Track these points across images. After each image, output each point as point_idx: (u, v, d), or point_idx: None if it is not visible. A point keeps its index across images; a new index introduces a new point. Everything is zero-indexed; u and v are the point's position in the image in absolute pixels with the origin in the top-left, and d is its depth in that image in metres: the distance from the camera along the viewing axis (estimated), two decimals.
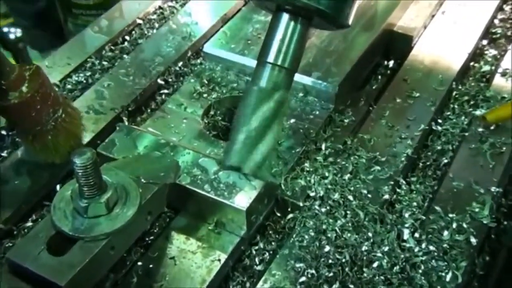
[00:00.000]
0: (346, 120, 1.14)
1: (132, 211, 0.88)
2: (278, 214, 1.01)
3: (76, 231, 0.85)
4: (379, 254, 0.93)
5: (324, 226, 0.96)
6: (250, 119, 0.96)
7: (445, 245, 0.94)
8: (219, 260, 0.94)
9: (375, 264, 0.92)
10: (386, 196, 1.00)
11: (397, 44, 1.27)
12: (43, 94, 0.97)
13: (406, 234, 0.95)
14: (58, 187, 1.05)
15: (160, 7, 1.39)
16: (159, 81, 1.23)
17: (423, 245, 0.94)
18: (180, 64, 1.26)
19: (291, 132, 1.08)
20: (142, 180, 0.92)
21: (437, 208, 0.98)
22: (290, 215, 0.99)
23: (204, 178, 0.96)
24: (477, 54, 1.28)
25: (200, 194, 0.95)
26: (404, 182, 1.03)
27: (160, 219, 1.00)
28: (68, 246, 0.85)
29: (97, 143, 1.09)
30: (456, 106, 1.17)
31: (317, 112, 1.12)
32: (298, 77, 1.13)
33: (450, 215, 0.97)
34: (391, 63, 1.28)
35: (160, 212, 0.98)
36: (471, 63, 1.26)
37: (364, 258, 0.93)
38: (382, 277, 0.91)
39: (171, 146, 1.02)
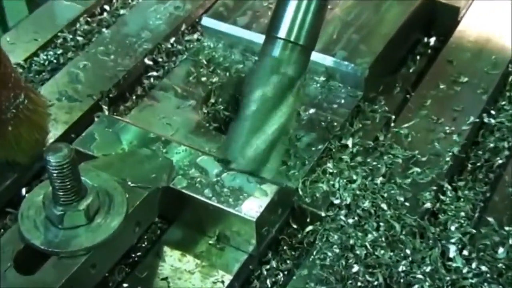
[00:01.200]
0: (378, 111, 1.15)
1: (117, 221, 0.89)
2: (295, 226, 1.03)
3: (49, 244, 0.86)
4: (420, 276, 0.94)
5: (351, 241, 0.97)
6: (250, 100, 0.97)
7: (500, 265, 0.95)
8: (222, 282, 0.95)
9: None
10: (428, 205, 1.01)
11: (440, 17, 1.28)
12: (2, 74, 0.98)
13: (452, 251, 0.96)
14: (24, 191, 1.06)
15: None
16: (147, 61, 1.24)
17: (473, 265, 0.95)
18: (172, 40, 1.28)
19: (310, 125, 1.09)
20: (129, 183, 0.93)
21: (490, 219, 0.99)
22: (310, 228, 1.01)
23: (203, 181, 0.97)
24: None
25: (199, 200, 0.96)
26: (449, 187, 1.04)
27: (150, 231, 1.01)
28: (39, 262, 0.86)
29: (71, 138, 1.10)
30: None
31: (342, 101, 1.13)
32: (319, 57, 1.14)
33: (506, 228, 0.98)
34: (432, 40, 1.29)
35: (150, 222, 0.99)
36: None
37: (401, 280, 0.94)
38: None
39: (163, 141, 1.03)
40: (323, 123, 1.09)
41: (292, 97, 0.98)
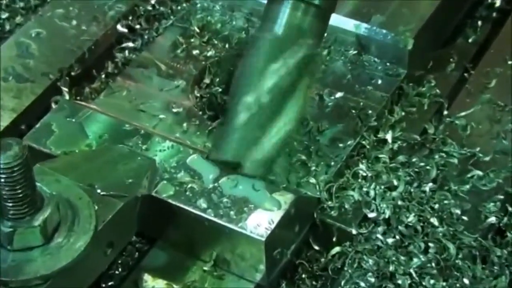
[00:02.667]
0: (426, 95, 1.15)
1: (83, 241, 0.89)
2: (317, 248, 1.04)
3: None
4: None
5: (391, 268, 0.98)
6: (256, 86, 0.98)
7: None
8: None
9: None
10: (492, 219, 1.02)
11: None
12: None
13: None
14: None
15: None
16: (120, 28, 1.25)
17: None
18: (153, 0, 1.28)
19: (336, 114, 1.10)
20: (98, 191, 0.94)
21: None
22: (336, 249, 1.01)
23: (196, 188, 0.98)
24: None
25: (190, 213, 0.97)
26: None
27: (126, 253, 1.02)
28: None
29: (21, 130, 1.12)
30: None
31: (380, 81, 1.14)
32: (348, 24, 1.15)
33: None
34: (498, 0, 1.29)
35: (126, 242, 1.00)
36: None
37: None
38: None
39: (143, 135, 1.04)
40: (353, 111, 1.10)
41: (305, 76, 0.99)
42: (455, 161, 1.07)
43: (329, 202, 1.02)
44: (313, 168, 1.04)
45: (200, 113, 1.13)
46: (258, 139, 0.98)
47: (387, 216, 1.02)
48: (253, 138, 0.99)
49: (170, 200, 0.98)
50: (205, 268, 1.00)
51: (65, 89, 1.18)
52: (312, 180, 1.03)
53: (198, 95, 1.16)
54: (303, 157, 1.04)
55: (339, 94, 1.12)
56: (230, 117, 1.00)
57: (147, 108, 1.12)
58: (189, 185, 0.99)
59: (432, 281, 0.96)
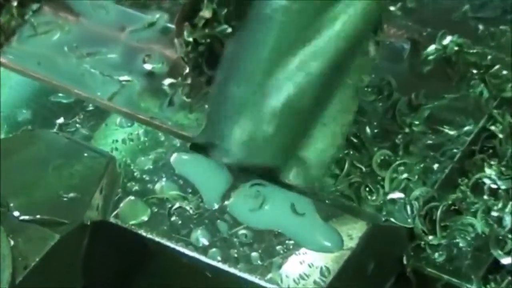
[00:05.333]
0: None
1: None
2: None
3: None
4: None
5: None
6: (263, 14, 1.02)
7: None
8: None
9: None
10: None
11: None
12: None
13: None
14: None
15: None
16: None
17: None
18: None
19: (439, 76, 1.12)
20: (16, 213, 0.96)
21: None
22: None
23: (190, 210, 1.00)
24: None
25: (178, 255, 0.99)
26: None
27: None
28: None
29: None
30: None
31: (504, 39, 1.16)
32: None
33: None
34: None
35: None
36: None
37: None
38: None
39: (90, 112, 1.07)
40: (474, 72, 1.13)
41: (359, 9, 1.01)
42: None
43: (430, 237, 1.04)
44: (402, 175, 1.05)
45: (194, 72, 1.14)
46: (257, 104, 1.01)
47: None
48: (247, 103, 1.02)
49: (142, 232, 1.00)
50: None
51: None
52: (400, 197, 1.05)
53: (190, 39, 1.16)
54: (383, 155, 1.06)
55: (448, 39, 1.14)
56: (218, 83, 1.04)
57: (98, 63, 1.14)
58: (177, 205, 1.00)
59: None
